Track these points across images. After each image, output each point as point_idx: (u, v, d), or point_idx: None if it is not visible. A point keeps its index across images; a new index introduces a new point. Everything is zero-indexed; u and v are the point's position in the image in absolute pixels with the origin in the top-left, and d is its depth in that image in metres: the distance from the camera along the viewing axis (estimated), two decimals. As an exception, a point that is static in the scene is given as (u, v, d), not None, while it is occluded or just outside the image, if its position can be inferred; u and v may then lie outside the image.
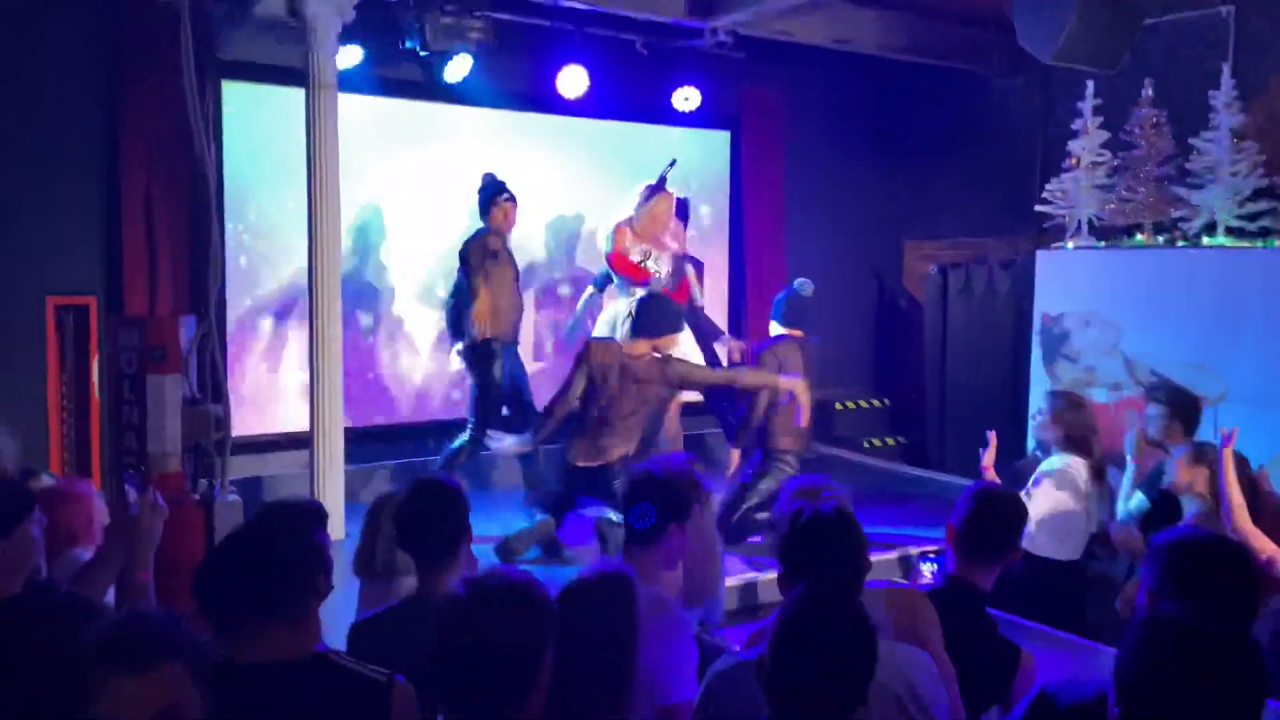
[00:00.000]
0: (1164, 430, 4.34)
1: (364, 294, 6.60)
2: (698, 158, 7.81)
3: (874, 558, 3.01)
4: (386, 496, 3.18)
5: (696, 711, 2.17)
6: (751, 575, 4.81)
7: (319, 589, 2.11)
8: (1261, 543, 3.47)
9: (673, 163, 6.17)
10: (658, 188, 6.00)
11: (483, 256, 5.61)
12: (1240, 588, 2.12)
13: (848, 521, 2.33)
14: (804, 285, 5.47)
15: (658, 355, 4.78)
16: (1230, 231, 5.73)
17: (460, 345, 5.81)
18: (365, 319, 6.62)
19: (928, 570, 3.05)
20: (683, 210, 6.62)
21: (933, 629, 2.44)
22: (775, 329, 5.40)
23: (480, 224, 5.83)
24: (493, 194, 5.79)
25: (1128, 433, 4.49)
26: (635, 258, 5.86)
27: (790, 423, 5.14)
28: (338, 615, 2.61)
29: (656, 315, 4.83)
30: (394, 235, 6.66)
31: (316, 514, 2.44)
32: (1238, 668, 1.54)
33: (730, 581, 4.43)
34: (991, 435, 4.52)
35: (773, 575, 2.53)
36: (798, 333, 5.36)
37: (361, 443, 6.47)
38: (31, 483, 3.76)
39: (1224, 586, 2.08)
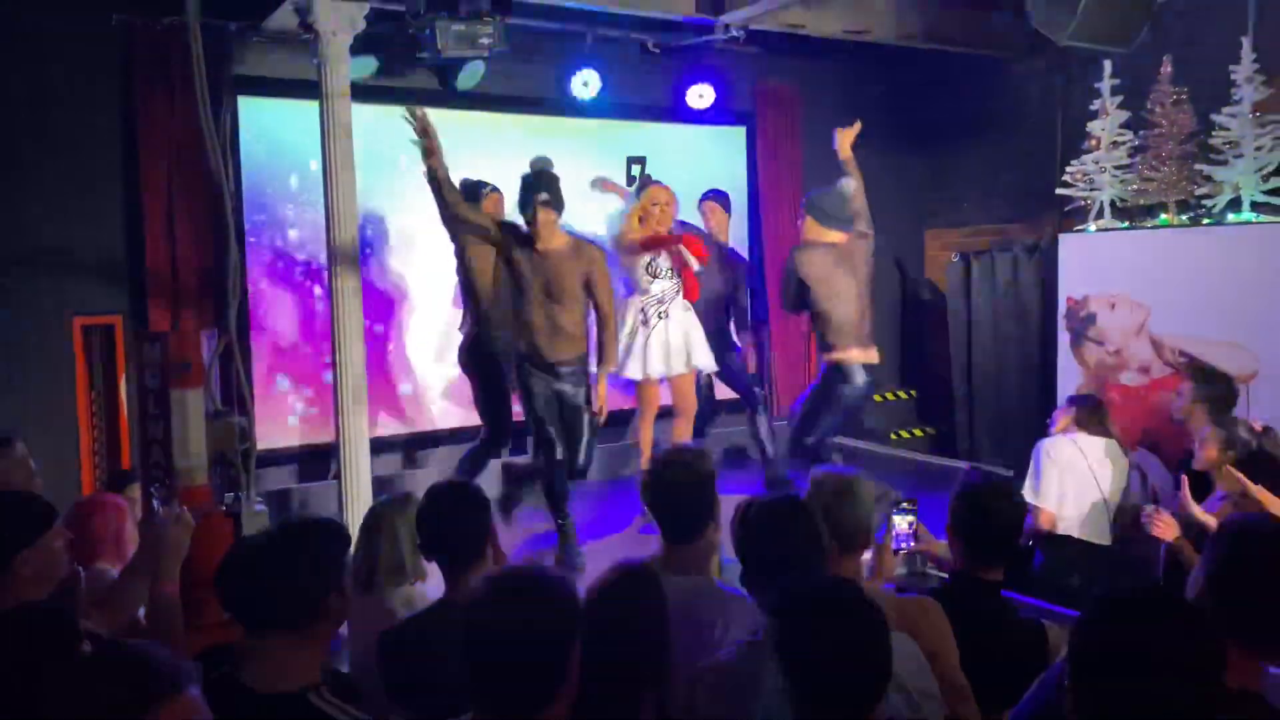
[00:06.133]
0: (1187, 411, 4.29)
1: (384, 303, 6.63)
2: (714, 154, 7.80)
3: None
4: (383, 505, 3.17)
5: (681, 713, 2.16)
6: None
7: (326, 610, 2.03)
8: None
9: (640, 161, 6.12)
10: (642, 186, 5.99)
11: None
12: None
13: (798, 511, 2.29)
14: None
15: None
16: (1256, 207, 5.65)
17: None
18: (383, 329, 6.64)
19: (902, 523, 2.92)
20: (725, 201, 6.71)
21: (944, 640, 2.38)
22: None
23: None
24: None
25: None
26: (642, 263, 5.84)
27: (835, 324, 5.44)
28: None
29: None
30: (412, 243, 6.68)
31: (332, 530, 2.39)
32: (1186, 642, 1.52)
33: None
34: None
35: None
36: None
37: (388, 452, 6.53)
38: (128, 492, 3.83)
39: None
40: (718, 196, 6.71)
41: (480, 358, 5.63)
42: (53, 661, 1.96)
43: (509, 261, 5.17)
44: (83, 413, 5.62)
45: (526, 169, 5.19)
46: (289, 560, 2.02)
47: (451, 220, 5.26)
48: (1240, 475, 3.70)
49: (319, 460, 6.23)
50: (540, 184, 5.07)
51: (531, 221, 5.05)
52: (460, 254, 5.56)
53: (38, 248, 5.54)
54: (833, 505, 2.50)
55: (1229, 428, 3.89)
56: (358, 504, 5.03)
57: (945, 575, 2.85)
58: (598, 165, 7.18)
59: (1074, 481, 4.27)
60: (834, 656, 1.72)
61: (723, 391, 6.78)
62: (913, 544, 2.96)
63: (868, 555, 2.66)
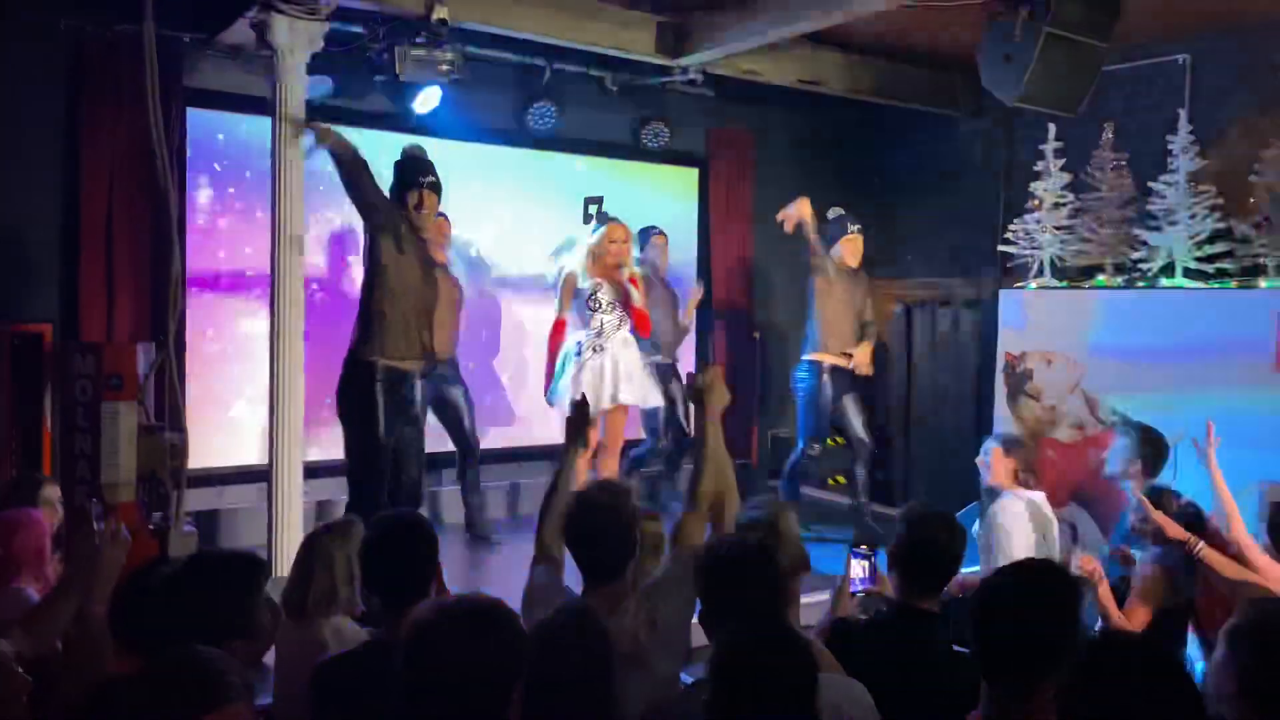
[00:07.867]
0: (1127, 465, 4.38)
1: (330, 321, 6.53)
2: (666, 194, 7.85)
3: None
4: (323, 532, 3.09)
5: None
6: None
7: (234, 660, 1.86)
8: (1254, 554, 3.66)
9: (597, 201, 6.10)
10: (601, 224, 5.97)
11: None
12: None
13: (765, 557, 2.31)
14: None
15: None
16: (1188, 273, 5.83)
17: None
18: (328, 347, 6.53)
19: (858, 567, 3.02)
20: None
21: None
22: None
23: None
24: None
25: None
26: (584, 296, 5.81)
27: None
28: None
29: None
30: (358, 256, 6.59)
31: (247, 569, 2.22)
32: (1173, 691, 1.56)
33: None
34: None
35: None
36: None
37: (327, 475, 6.39)
38: (45, 490, 3.65)
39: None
40: (660, 230, 6.98)
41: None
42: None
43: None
44: (4, 424, 5.42)
45: (399, 156, 4.90)
46: (189, 597, 1.92)
47: (366, 206, 4.73)
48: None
49: (251, 481, 6.07)
50: (425, 166, 4.82)
51: (417, 205, 4.78)
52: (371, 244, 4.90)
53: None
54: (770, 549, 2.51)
55: (1162, 496, 3.97)
56: (289, 529, 4.91)
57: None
58: (549, 197, 7.19)
59: (1027, 540, 4.33)
60: (756, 703, 1.74)
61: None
62: (871, 586, 3.00)
63: (825, 595, 2.69)
